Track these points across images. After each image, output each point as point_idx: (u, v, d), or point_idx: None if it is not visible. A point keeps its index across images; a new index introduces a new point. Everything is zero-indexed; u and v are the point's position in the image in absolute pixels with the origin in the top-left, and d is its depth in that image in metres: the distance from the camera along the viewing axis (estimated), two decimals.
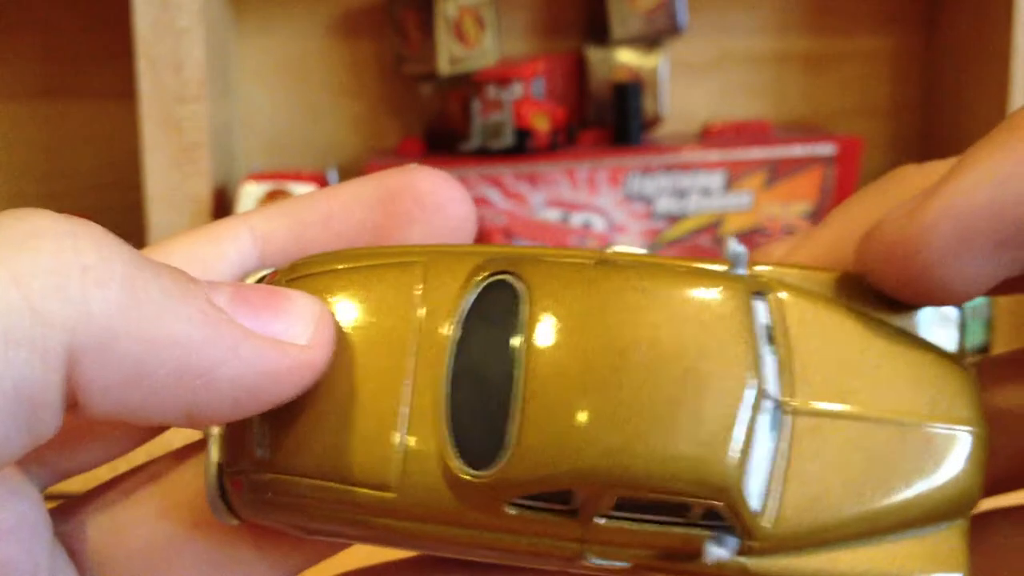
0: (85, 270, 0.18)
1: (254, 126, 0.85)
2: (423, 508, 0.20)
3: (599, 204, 0.75)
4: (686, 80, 0.85)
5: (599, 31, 0.81)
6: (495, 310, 0.21)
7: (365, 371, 0.21)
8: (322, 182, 0.73)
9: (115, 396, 0.18)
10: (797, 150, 0.76)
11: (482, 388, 0.20)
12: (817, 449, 0.20)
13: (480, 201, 0.75)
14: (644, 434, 0.19)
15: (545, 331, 0.20)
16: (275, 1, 0.84)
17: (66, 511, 0.23)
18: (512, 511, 0.20)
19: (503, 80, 0.76)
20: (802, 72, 0.87)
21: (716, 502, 0.19)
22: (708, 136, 0.80)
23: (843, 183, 0.76)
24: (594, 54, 0.81)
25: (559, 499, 0.20)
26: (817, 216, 0.76)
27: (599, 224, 0.76)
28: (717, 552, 0.19)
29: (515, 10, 0.83)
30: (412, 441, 0.20)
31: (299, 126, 0.85)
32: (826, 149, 0.76)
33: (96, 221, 0.72)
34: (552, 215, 0.76)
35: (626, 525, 0.20)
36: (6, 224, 0.18)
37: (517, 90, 0.76)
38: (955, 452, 0.20)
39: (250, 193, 0.71)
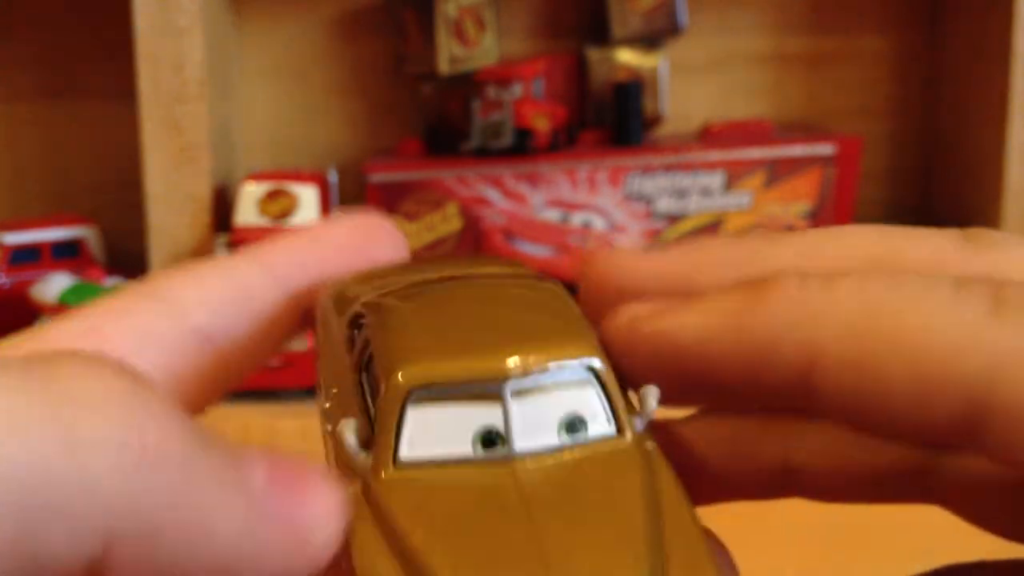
0: (144, 450, 0.16)
1: (254, 126, 0.85)
2: None
3: (599, 204, 0.75)
4: (686, 80, 0.85)
5: (599, 31, 0.81)
6: None
7: None
8: (322, 182, 0.73)
9: None
10: (797, 150, 0.76)
11: None
12: None
13: (480, 201, 0.75)
14: None
15: None
16: (275, 1, 0.84)
17: None
18: None
19: (503, 80, 0.76)
20: (802, 72, 0.87)
21: None
22: (708, 136, 0.80)
23: (843, 183, 0.76)
24: (594, 54, 0.81)
25: None
26: (816, 216, 0.76)
27: (599, 224, 0.76)
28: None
29: (515, 10, 0.83)
30: None
31: (299, 126, 0.85)
32: (826, 149, 0.76)
33: (96, 221, 0.72)
34: (552, 215, 0.76)
35: None
36: (83, 380, 0.16)
37: (517, 90, 0.76)
38: None
39: (250, 193, 0.71)
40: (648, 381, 0.21)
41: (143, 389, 0.17)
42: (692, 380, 0.21)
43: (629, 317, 0.21)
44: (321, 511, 0.19)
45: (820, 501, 0.23)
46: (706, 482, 0.22)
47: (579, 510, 0.18)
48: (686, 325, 0.21)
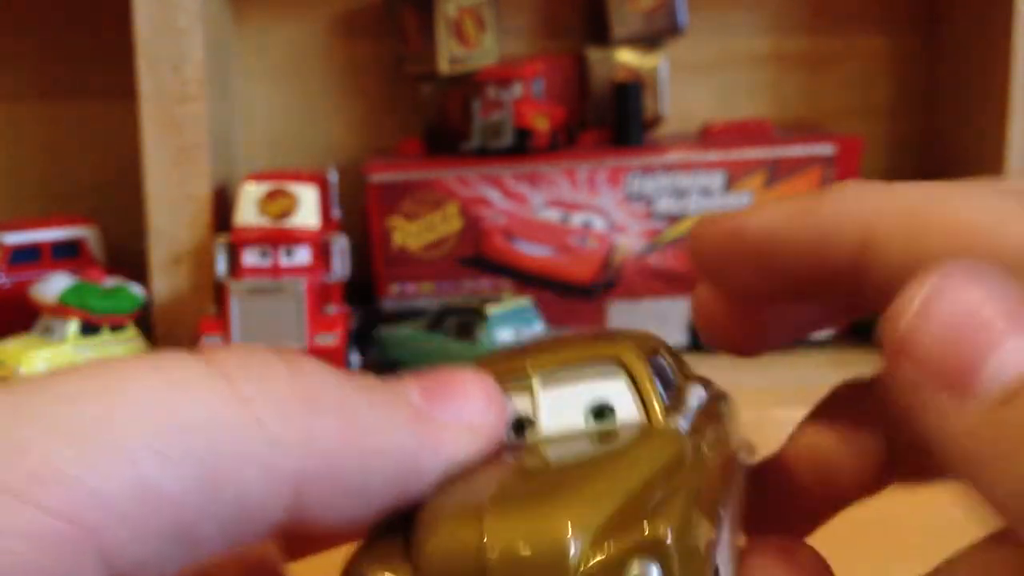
0: (306, 401, 0.19)
1: (254, 126, 0.85)
2: None
3: (599, 204, 0.75)
4: (686, 80, 0.85)
5: (599, 31, 0.81)
6: None
7: None
8: (322, 182, 0.73)
9: (339, 512, 0.19)
10: (797, 150, 0.76)
11: None
12: None
13: (480, 201, 0.75)
14: None
15: None
16: (275, 1, 0.84)
17: None
18: None
19: (503, 80, 0.76)
20: (802, 72, 0.87)
21: None
22: (708, 136, 0.80)
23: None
24: (594, 54, 0.81)
25: None
26: None
27: (599, 224, 0.76)
28: None
29: (515, 10, 0.83)
30: None
31: (299, 126, 0.85)
32: (826, 149, 0.76)
33: (96, 221, 0.72)
34: (552, 215, 0.76)
35: None
36: (238, 356, 0.19)
37: (517, 90, 0.76)
38: None
39: (250, 193, 0.71)
40: (726, 275, 0.24)
41: (299, 360, 0.19)
42: (761, 268, 0.23)
43: (709, 218, 0.24)
44: (480, 399, 0.21)
45: (922, 484, 0.25)
46: (822, 494, 0.25)
47: (575, 463, 0.20)
48: (760, 218, 0.23)
